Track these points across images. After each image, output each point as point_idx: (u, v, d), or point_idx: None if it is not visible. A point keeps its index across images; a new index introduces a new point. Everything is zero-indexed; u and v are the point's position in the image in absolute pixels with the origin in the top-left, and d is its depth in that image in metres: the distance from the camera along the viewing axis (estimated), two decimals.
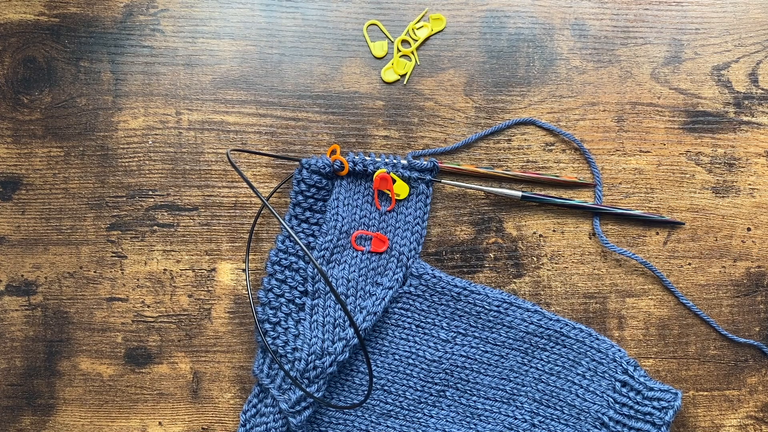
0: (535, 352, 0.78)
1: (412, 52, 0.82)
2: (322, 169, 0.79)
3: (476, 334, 0.79)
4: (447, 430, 0.78)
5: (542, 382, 0.78)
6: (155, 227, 0.82)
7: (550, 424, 0.77)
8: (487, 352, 0.78)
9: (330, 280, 0.77)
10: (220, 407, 0.81)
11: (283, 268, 0.79)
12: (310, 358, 0.76)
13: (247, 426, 0.78)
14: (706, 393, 0.80)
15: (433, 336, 0.79)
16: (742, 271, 0.81)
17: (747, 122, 0.81)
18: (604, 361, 0.77)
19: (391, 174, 0.79)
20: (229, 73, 0.82)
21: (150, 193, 0.82)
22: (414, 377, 0.79)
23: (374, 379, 0.78)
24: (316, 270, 0.78)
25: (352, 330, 0.77)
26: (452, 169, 0.80)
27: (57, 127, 0.82)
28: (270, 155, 0.81)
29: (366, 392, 0.79)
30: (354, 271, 0.79)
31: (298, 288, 0.79)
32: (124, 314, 0.81)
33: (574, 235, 0.81)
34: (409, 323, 0.79)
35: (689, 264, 0.81)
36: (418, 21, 0.83)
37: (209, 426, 0.81)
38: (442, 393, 0.79)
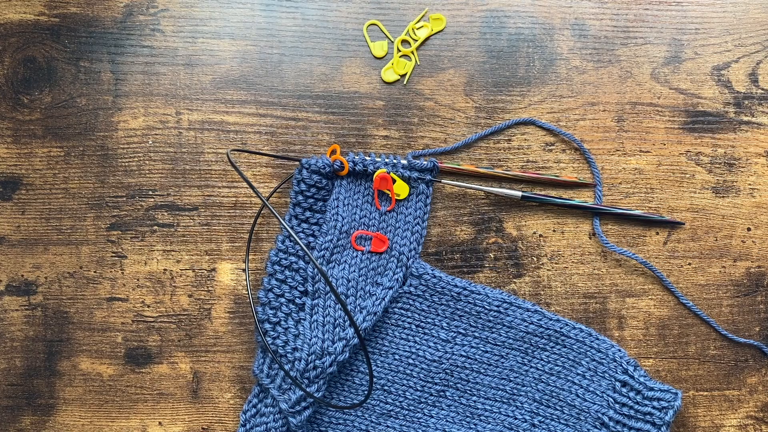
0: (535, 352, 0.78)
1: (412, 52, 0.82)
2: (322, 169, 0.79)
3: (476, 334, 0.79)
4: (447, 430, 0.78)
5: (542, 382, 0.78)
6: (155, 227, 0.82)
7: (550, 424, 0.77)
8: (487, 352, 0.78)
9: (330, 280, 0.77)
10: (220, 407, 0.81)
11: (283, 268, 0.79)
12: (310, 358, 0.76)
13: (247, 426, 0.78)
14: (706, 393, 0.80)
15: (433, 336, 0.79)
16: (742, 271, 0.81)
17: (747, 122, 0.81)
18: (604, 361, 0.77)
19: (391, 174, 0.79)
20: (229, 73, 0.82)
21: (150, 193, 0.82)
22: (414, 377, 0.79)
23: (374, 379, 0.78)
24: (316, 270, 0.78)
25: (352, 330, 0.77)
26: (452, 169, 0.80)
27: (57, 127, 0.82)
28: (270, 155, 0.81)
29: (366, 392, 0.79)
30: (354, 271, 0.79)
31: (298, 288, 0.79)
32: (124, 314, 0.81)
33: (574, 235, 0.81)
34: (409, 323, 0.79)
35: (689, 264, 0.81)
36: (418, 21, 0.83)
37: (209, 426, 0.81)
38: (442, 393, 0.79)
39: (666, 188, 0.81)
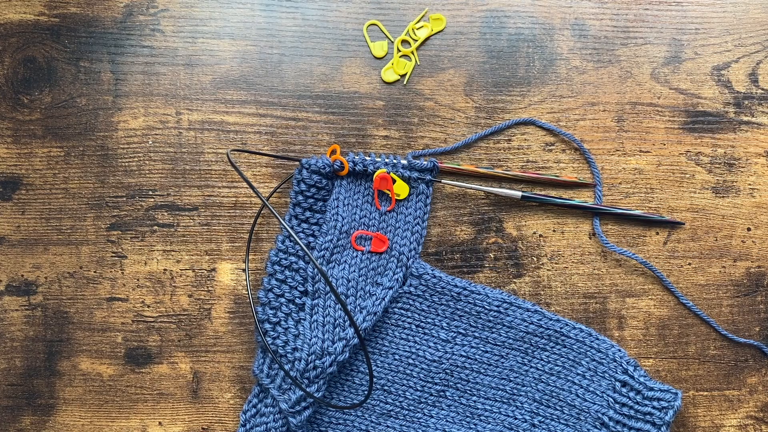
0: (535, 352, 0.78)
1: (412, 52, 0.82)
2: (322, 169, 0.79)
3: (476, 334, 0.79)
4: (447, 430, 0.78)
5: (542, 382, 0.78)
6: (155, 227, 0.82)
7: (550, 424, 0.77)
8: (487, 352, 0.78)
9: (330, 280, 0.77)
10: (220, 407, 0.81)
11: (283, 268, 0.79)
12: (310, 358, 0.76)
13: (247, 426, 0.78)
14: (706, 393, 0.80)
15: (433, 336, 0.79)
16: (742, 271, 0.81)
17: (747, 122, 0.81)
18: (604, 361, 0.77)
19: (391, 174, 0.79)
20: (229, 73, 0.82)
21: (150, 193, 0.82)
22: (414, 377, 0.79)
23: (374, 379, 0.78)
24: (316, 270, 0.78)
25: (352, 330, 0.77)
26: (452, 169, 0.80)
27: (57, 127, 0.82)
28: (270, 155, 0.81)
29: (366, 392, 0.79)
30: (354, 271, 0.79)
31: (298, 288, 0.79)
32: (124, 314, 0.81)
33: (574, 235, 0.81)
34: (409, 323, 0.79)
35: (689, 264, 0.81)
36: (418, 21, 0.83)
37: (209, 426, 0.81)
38: (442, 393, 0.79)
39: (666, 188, 0.81)
